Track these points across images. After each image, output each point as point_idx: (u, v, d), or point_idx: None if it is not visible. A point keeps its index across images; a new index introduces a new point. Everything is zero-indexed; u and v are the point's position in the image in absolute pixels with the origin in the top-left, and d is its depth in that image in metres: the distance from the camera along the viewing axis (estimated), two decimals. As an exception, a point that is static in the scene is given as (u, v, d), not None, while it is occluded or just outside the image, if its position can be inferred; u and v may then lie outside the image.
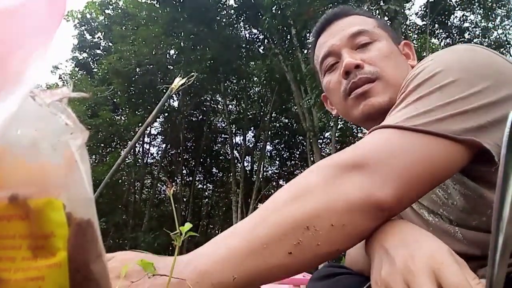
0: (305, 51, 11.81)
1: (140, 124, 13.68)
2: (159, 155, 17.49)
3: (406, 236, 0.51)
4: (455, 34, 13.28)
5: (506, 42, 11.82)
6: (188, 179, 17.68)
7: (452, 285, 0.40)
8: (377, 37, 0.80)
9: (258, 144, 17.46)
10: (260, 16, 11.98)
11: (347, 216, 0.49)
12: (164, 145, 17.29)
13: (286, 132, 18.03)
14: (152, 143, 17.84)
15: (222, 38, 12.80)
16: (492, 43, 11.55)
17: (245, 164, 16.75)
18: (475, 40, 11.79)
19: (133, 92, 14.10)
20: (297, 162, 18.97)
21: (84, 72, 17.44)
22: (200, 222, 17.95)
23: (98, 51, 17.90)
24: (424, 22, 12.10)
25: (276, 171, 19.71)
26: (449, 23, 12.70)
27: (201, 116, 17.53)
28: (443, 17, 11.87)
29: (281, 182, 19.42)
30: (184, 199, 16.82)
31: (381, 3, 7.36)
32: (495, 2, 10.71)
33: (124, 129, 14.46)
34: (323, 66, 0.85)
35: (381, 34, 0.81)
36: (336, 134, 13.47)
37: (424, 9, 11.06)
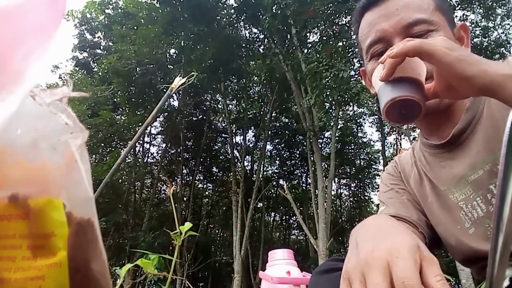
0: (305, 51, 11.82)
1: (140, 124, 13.67)
2: (159, 154, 17.50)
3: (378, 230, 0.54)
4: (455, 34, 13.21)
5: (506, 42, 11.80)
6: (188, 179, 17.68)
7: (398, 278, 0.40)
8: (436, 26, 0.74)
9: (258, 143, 17.47)
10: (260, 16, 11.98)
11: None
12: (164, 145, 17.30)
13: (286, 132, 18.03)
14: (152, 142, 17.87)
15: (222, 38, 12.79)
16: (492, 42, 11.55)
17: (245, 163, 16.77)
18: (475, 40, 11.78)
19: (133, 91, 14.09)
20: (297, 161, 18.98)
21: (84, 72, 17.45)
22: (200, 221, 17.95)
23: (99, 51, 17.91)
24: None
25: (276, 170, 19.72)
26: (449, 23, 12.64)
27: (201, 116, 17.53)
28: (443, 16, 11.84)
29: (281, 181, 19.44)
30: (184, 199, 16.82)
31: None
32: (495, 2, 10.69)
33: (124, 129, 14.46)
34: (371, 51, 0.80)
35: (440, 21, 0.75)
36: (336, 134, 13.46)
37: (424, 8, 11.05)
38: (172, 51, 15.08)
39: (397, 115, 0.62)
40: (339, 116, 13.90)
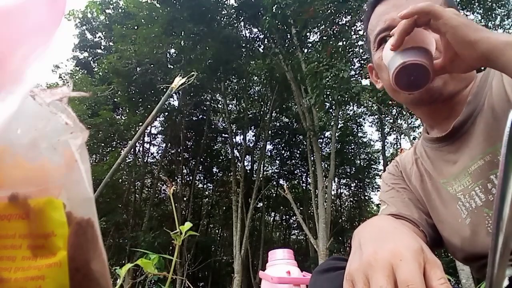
0: (305, 51, 11.81)
1: (140, 124, 13.66)
2: (159, 154, 17.50)
3: (380, 232, 0.54)
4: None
5: (507, 42, 11.80)
6: (188, 179, 17.68)
7: (402, 281, 0.40)
8: None
9: (258, 143, 17.46)
10: (261, 16, 11.97)
11: None
12: (164, 145, 17.30)
13: (286, 132, 18.03)
14: (152, 142, 17.86)
15: (222, 38, 12.79)
16: (493, 42, 11.54)
17: (245, 163, 16.76)
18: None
19: (133, 91, 14.09)
20: (297, 161, 18.97)
21: (85, 72, 17.44)
22: (200, 221, 17.95)
23: (99, 51, 17.90)
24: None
25: (276, 170, 19.72)
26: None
27: (201, 116, 17.53)
28: (443, 16, 11.82)
29: (281, 181, 19.43)
30: (184, 199, 16.82)
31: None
32: (495, 2, 10.69)
33: (124, 129, 14.46)
34: (379, 38, 0.81)
35: None
36: (336, 134, 13.45)
37: (425, 8, 11.03)
38: (172, 51, 15.08)
39: (406, 81, 0.64)
40: (339, 116, 13.89)
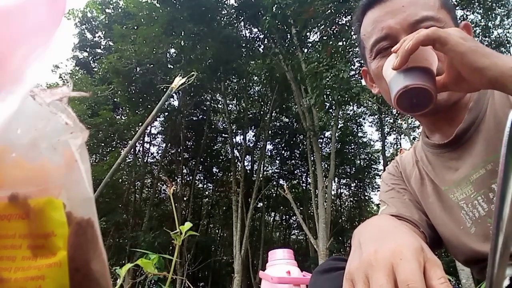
0: (305, 51, 11.81)
1: (140, 124, 13.66)
2: (159, 154, 17.50)
3: (380, 231, 0.54)
4: (456, 34, 13.18)
5: (507, 41, 11.80)
6: (188, 179, 17.68)
7: (402, 281, 0.40)
8: (442, 23, 0.74)
9: (258, 143, 17.46)
10: (261, 16, 11.97)
11: None
12: (164, 145, 17.30)
13: (286, 132, 18.03)
14: (152, 142, 17.87)
15: (222, 38, 12.79)
16: (492, 42, 11.55)
17: (245, 163, 16.76)
18: (475, 39, 11.74)
19: (133, 91, 14.09)
20: (297, 161, 18.98)
21: (85, 71, 17.44)
22: (200, 221, 17.95)
23: (99, 50, 17.90)
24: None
25: (276, 170, 19.72)
26: (449, 23, 12.62)
27: (201, 116, 17.53)
28: (443, 16, 11.82)
29: (281, 181, 19.44)
30: (184, 199, 16.82)
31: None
32: (495, 2, 10.69)
33: (124, 129, 14.46)
34: (376, 48, 0.78)
35: (445, 18, 0.75)
36: (336, 134, 13.45)
37: (425, 8, 11.01)
38: (172, 51, 15.09)
39: (408, 104, 0.62)
40: (339, 116, 13.90)
